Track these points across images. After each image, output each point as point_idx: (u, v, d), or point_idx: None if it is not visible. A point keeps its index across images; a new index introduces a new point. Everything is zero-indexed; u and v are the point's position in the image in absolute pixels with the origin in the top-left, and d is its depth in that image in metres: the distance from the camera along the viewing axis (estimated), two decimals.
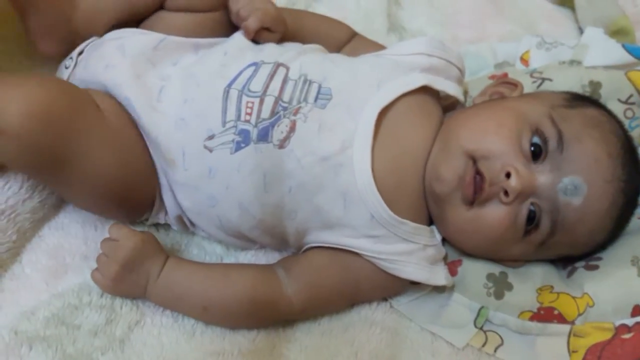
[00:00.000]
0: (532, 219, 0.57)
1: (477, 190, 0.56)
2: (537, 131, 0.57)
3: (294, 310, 0.60)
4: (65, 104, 0.54)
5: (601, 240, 0.62)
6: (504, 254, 0.61)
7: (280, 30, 0.65)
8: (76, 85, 0.59)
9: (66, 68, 0.65)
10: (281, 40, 0.65)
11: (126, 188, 0.59)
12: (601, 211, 0.58)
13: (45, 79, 0.58)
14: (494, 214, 0.56)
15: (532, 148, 0.57)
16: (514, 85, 0.67)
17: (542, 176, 0.56)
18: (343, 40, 0.72)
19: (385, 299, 0.65)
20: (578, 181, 0.56)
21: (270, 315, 0.60)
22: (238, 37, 0.64)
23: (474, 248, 0.62)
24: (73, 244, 0.64)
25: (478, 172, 0.56)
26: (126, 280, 0.59)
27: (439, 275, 0.60)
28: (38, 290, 0.61)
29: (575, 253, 0.63)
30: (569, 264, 0.65)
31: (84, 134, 0.55)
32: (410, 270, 0.59)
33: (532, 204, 0.56)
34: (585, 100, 0.64)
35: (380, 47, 0.71)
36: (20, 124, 0.51)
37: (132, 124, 0.60)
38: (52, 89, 0.54)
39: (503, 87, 0.67)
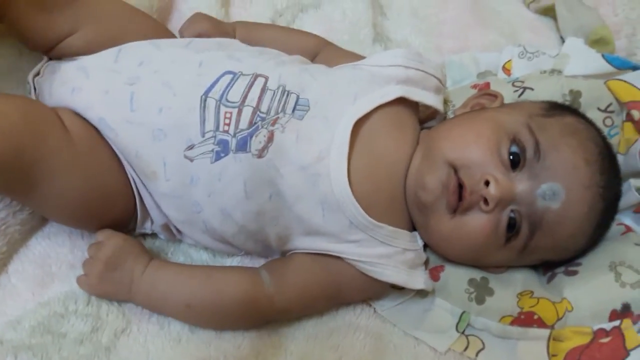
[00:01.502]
0: (512, 226, 0.58)
1: (459, 198, 0.57)
2: (515, 140, 0.58)
3: (275, 309, 0.60)
4: (28, 132, 0.54)
5: (582, 245, 0.63)
6: (486, 261, 0.62)
7: (213, 37, 0.68)
8: (43, 105, 0.59)
9: (29, 93, 0.64)
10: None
11: (99, 207, 0.60)
12: (580, 216, 0.59)
13: (8, 102, 0.55)
14: (476, 222, 0.57)
15: (511, 157, 0.58)
16: (494, 96, 0.68)
17: (521, 184, 0.57)
18: (312, 51, 0.73)
19: (369, 304, 0.65)
20: (556, 187, 0.57)
21: (251, 313, 0.60)
22: (213, 51, 0.63)
23: (458, 256, 0.63)
24: (60, 252, 0.64)
25: (459, 182, 0.57)
26: (110, 279, 0.60)
27: (418, 280, 0.61)
28: (24, 299, 0.61)
29: (557, 258, 0.64)
30: (550, 269, 0.66)
31: (49, 160, 0.55)
32: (389, 273, 0.59)
33: (512, 211, 0.57)
34: (563, 109, 0.65)
35: (356, 57, 0.71)
36: None
37: (104, 142, 0.60)
38: (15, 116, 0.54)
39: (484, 98, 0.68)
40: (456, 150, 0.59)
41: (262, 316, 0.61)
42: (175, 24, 0.78)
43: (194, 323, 0.61)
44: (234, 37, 0.72)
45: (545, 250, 0.61)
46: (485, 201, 0.56)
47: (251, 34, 0.72)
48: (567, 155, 0.58)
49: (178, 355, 0.60)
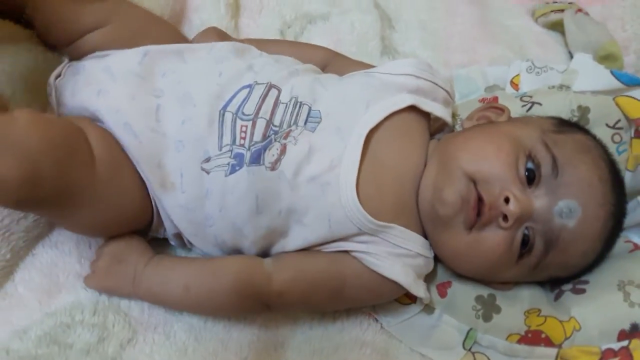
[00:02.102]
0: (525, 243, 0.58)
1: (478, 213, 0.57)
2: (530, 156, 0.58)
3: (273, 290, 0.59)
4: (50, 161, 0.52)
5: (590, 262, 0.63)
6: (498, 278, 0.62)
7: None
8: (72, 127, 0.57)
9: (49, 96, 0.64)
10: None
11: (120, 224, 0.62)
12: (594, 234, 0.59)
13: (36, 125, 0.52)
14: (492, 238, 0.57)
15: (527, 173, 0.58)
16: (501, 110, 0.68)
17: (538, 200, 0.57)
18: (320, 63, 0.73)
19: (375, 320, 0.65)
20: (573, 205, 0.57)
21: (248, 292, 0.59)
22: (232, 59, 0.64)
23: (469, 271, 0.63)
24: (67, 262, 0.64)
25: (478, 196, 0.57)
26: (115, 272, 0.61)
27: (420, 288, 0.61)
28: (31, 309, 0.61)
29: (566, 274, 0.64)
30: (557, 286, 0.66)
31: (71, 191, 0.55)
32: (397, 270, 0.59)
33: (526, 228, 0.57)
34: (572, 126, 0.65)
35: (365, 66, 0.72)
36: (9, 186, 0.50)
37: (127, 160, 0.59)
38: (37, 141, 0.51)
39: (490, 111, 0.68)
40: (476, 163, 0.58)
41: (259, 297, 0.59)
42: (185, 34, 0.78)
43: (193, 309, 0.62)
44: None
45: (556, 268, 0.61)
46: (505, 218, 0.56)
47: (261, 49, 0.72)
48: (584, 173, 0.58)
49: None
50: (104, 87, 0.60)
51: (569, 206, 0.57)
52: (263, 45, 0.73)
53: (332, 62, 0.74)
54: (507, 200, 0.56)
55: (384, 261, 0.59)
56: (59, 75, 0.64)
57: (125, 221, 0.62)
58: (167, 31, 0.70)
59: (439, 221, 0.59)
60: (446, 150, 0.62)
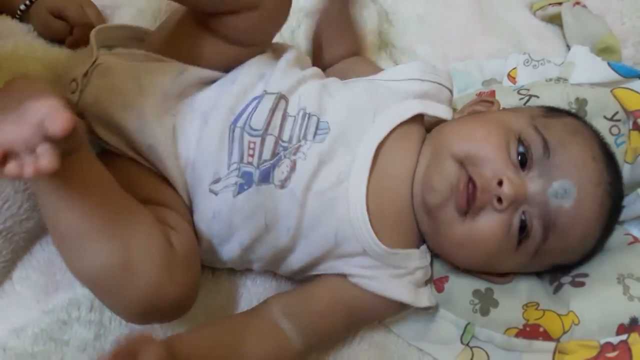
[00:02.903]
0: (523, 227, 0.57)
1: (470, 199, 0.56)
2: (521, 140, 0.58)
3: (301, 355, 0.60)
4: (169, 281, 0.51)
5: (590, 247, 0.62)
6: (499, 267, 0.61)
7: None
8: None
9: (72, 93, 0.59)
10: None
11: None
12: (592, 214, 0.58)
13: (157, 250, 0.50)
14: (488, 223, 0.56)
15: (519, 157, 0.57)
16: (491, 103, 0.68)
17: (532, 183, 0.57)
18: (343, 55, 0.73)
19: None
20: (568, 184, 0.57)
21: None
22: (249, 67, 0.61)
23: (469, 262, 0.62)
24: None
25: (471, 181, 0.56)
26: None
27: (423, 297, 0.61)
28: (28, 307, 0.61)
29: (567, 261, 0.63)
30: (555, 278, 0.66)
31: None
32: (398, 291, 0.59)
33: (523, 212, 0.57)
34: (561, 111, 0.65)
35: (375, 69, 0.71)
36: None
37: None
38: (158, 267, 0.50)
39: (480, 105, 0.68)
40: (464, 144, 0.58)
41: None
42: None
43: None
44: None
45: (557, 253, 0.60)
46: (499, 200, 0.55)
47: None
48: (576, 153, 0.58)
49: None
50: (130, 101, 0.56)
51: (563, 186, 0.57)
52: None
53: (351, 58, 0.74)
54: (500, 183, 0.55)
55: (385, 283, 0.59)
56: (85, 74, 0.59)
57: None
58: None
59: (430, 212, 0.58)
60: (436, 139, 0.62)
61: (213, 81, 0.61)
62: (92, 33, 0.63)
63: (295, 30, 0.85)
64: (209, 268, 0.67)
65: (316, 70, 0.66)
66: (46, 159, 0.40)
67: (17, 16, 0.72)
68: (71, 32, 0.72)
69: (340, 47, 0.71)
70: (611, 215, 0.61)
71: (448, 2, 0.91)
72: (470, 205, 0.56)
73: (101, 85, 0.58)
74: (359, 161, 0.58)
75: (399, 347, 0.63)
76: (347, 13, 0.69)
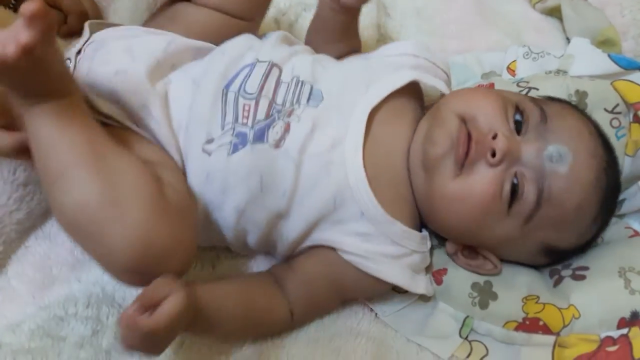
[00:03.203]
0: (516, 190, 0.57)
1: (467, 150, 0.56)
2: (518, 108, 0.59)
3: (292, 324, 0.62)
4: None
5: (586, 227, 0.61)
6: (489, 234, 0.59)
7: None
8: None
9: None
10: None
11: None
12: (588, 184, 0.58)
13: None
14: (480, 179, 0.56)
15: (515, 125, 0.58)
16: None
17: (528, 144, 0.57)
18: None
19: (370, 309, 0.65)
20: (564, 149, 0.57)
21: (270, 330, 0.62)
22: (237, 40, 0.64)
23: (460, 224, 0.59)
24: (60, 254, 0.64)
25: (468, 134, 0.57)
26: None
27: (420, 284, 0.61)
28: (24, 302, 0.61)
29: (562, 241, 0.61)
30: (556, 272, 0.65)
31: None
32: (394, 273, 0.59)
33: (516, 175, 0.56)
34: (560, 100, 0.66)
35: None
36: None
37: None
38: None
39: None
40: (465, 103, 0.60)
41: (278, 331, 0.62)
42: None
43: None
44: None
45: (550, 227, 0.59)
46: (493, 154, 0.55)
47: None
48: (573, 122, 0.59)
49: (180, 358, 0.59)
50: (122, 66, 0.57)
51: (559, 151, 0.57)
52: None
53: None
54: (495, 137, 0.56)
55: (381, 264, 0.59)
56: (79, 52, 0.60)
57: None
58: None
59: (429, 165, 0.58)
60: (437, 105, 0.63)
61: (198, 51, 0.63)
62: (87, 23, 0.63)
63: (293, 23, 0.86)
64: (209, 264, 0.67)
65: (306, 47, 0.67)
66: (24, 33, 0.42)
67: (10, 6, 0.71)
68: (65, 21, 0.72)
69: (335, 49, 0.70)
70: (607, 196, 0.60)
71: None
72: (466, 157, 0.56)
73: (95, 56, 0.59)
74: (353, 126, 0.58)
75: (397, 343, 0.63)
76: (343, 18, 0.69)
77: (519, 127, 0.58)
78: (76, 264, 0.63)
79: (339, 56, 0.70)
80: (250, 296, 0.59)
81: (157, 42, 0.61)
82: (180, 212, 0.52)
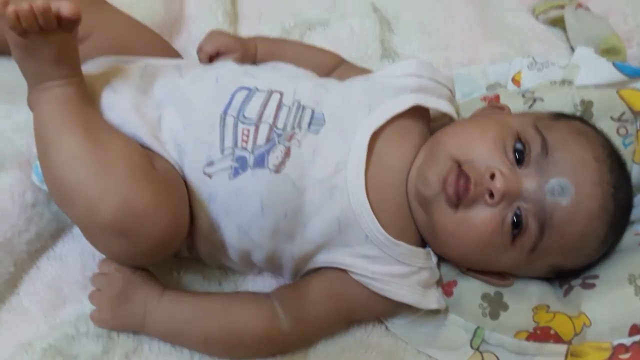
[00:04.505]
0: (518, 223, 0.56)
1: (463, 191, 0.56)
2: (519, 138, 0.58)
3: (291, 343, 0.62)
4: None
5: (594, 249, 0.61)
6: (495, 263, 0.60)
7: (235, 51, 0.68)
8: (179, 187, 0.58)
9: None
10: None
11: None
12: (591, 213, 0.57)
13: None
14: (480, 216, 0.56)
15: (516, 154, 0.57)
16: (501, 108, 0.68)
17: (528, 179, 0.57)
18: (329, 66, 0.74)
19: (380, 322, 0.65)
20: (565, 182, 0.56)
21: (268, 349, 0.62)
22: (229, 64, 0.65)
23: (465, 255, 0.61)
24: (71, 274, 0.64)
25: (463, 174, 0.56)
26: (122, 313, 0.59)
27: (431, 299, 0.61)
28: (36, 322, 0.61)
29: (569, 264, 0.62)
30: (565, 282, 0.65)
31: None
32: (403, 292, 0.59)
33: (518, 208, 0.56)
34: (570, 117, 0.65)
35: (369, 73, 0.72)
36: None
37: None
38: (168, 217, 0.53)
39: (490, 111, 0.69)
40: (460, 145, 0.59)
41: (278, 350, 0.62)
42: (184, 44, 0.79)
43: (209, 354, 0.61)
44: (255, 52, 0.72)
45: (556, 253, 0.59)
46: (491, 194, 0.55)
47: (274, 48, 0.73)
48: (576, 152, 0.58)
49: None
50: (108, 102, 0.59)
51: (560, 184, 0.56)
52: (277, 43, 0.74)
53: (340, 67, 0.75)
54: (492, 176, 0.55)
55: (390, 285, 0.59)
56: None
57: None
58: (158, 44, 0.71)
59: (423, 202, 0.59)
60: (436, 138, 0.62)
61: (178, 67, 0.64)
62: None
63: None
64: (215, 280, 0.67)
65: (310, 72, 0.68)
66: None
67: None
68: None
69: (317, 67, 0.71)
70: (616, 219, 0.60)
71: (449, 8, 0.92)
72: (462, 198, 0.56)
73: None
74: (355, 150, 0.58)
75: (407, 354, 0.63)
76: (284, 51, 0.72)
77: (520, 156, 0.57)
78: (87, 284, 0.63)
79: (328, 72, 0.71)
80: (229, 305, 0.60)
81: (132, 70, 0.62)
82: (166, 182, 0.55)
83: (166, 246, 0.54)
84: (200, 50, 0.70)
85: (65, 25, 0.52)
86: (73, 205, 0.53)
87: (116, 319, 0.59)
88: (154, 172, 0.54)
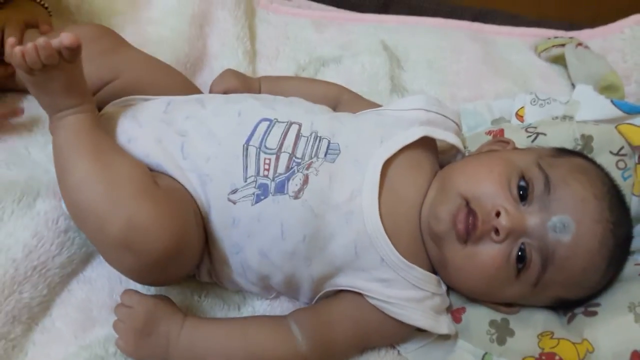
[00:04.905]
0: (522, 258, 0.59)
1: (471, 227, 0.59)
2: (523, 176, 0.61)
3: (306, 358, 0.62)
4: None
5: (595, 282, 0.63)
6: (501, 295, 0.63)
7: (240, 91, 0.74)
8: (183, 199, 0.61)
9: None
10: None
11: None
12: (591, 249, 0.60)
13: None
14: (487, 252, 0.60)
15: (520, 191, 0.61)
16: (507, 142, 0.72)
17: (532, 216, 0.60)
18: (334, 98, 0.78)
19: (393, 346, 0.67)
20: (567, 219, 0.59)
21: None
22: (250, 100, 0.69)
23: (472, 288, 0.64)
24: (100, 297, 0.67)
25: (472, 212, 0.60)
26: (146, 345, 0.61)
27: (443, 325, 0.63)
28: (67, 342, 0.63)
29: (572, 295, 0.64)
30: (569, 310, 0.67)
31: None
32: (417, 317, 0.61)
33: (522, 243, 0.59)
34: (572, 153, 0.68)
35: (374, 104, 0.76)
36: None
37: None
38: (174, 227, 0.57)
39: (496, 145, 0.72)
40: (469, 183, 0.62)
41: None
42: (206, 79, 0.83)
43: None
44: (259, 91, 0.77)
45: (558, 286, 0.62)
46: (497, 231, 0.58)
47: (276, 85, 0.78)
48: (577, 190, 0.60)
49: None
50: (133, 134, 0.64)
51: (562, 221, 0.59)
52: (279, 81, 0.79)
53: (344, 99, 0.79)
54: (498, 214, 0.58)
55: (405, 309, 0.61)
56: None
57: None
58: (180, 82, 0.76)
59: (435, 237, 0.62)
60: (446, 175, 0.65)
61: (200, 100, 0.68)
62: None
63: (313, 78, 0.90)
64: (235, 305, 0.69)
65: (325, 107, 0.72)
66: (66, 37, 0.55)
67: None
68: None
69: (324, 98, 0.75)
70: (616, 253, 0.62)
71: (456, 47, 0.96)
72: (470, 234, 0.59)
73: (108, 129, 0.65)
74: (368, 177, 0.62)
75: None
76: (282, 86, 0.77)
77: (524, 193, 0.60)
78: (114, 306, 0.65)
79: (334, 101, 0.76)
80: (247, 330, 0.63)
81: (157, 105, 0.67)
82: (169, 199, 0.58)
83: (171, 260, 0.57)
84: (210, 90, 0.76)
85: (68, 57, 0.57)
86: (86, 223, 0.58)
87: (139, 350, 0.61)
88: (157, 190, 0.58)
